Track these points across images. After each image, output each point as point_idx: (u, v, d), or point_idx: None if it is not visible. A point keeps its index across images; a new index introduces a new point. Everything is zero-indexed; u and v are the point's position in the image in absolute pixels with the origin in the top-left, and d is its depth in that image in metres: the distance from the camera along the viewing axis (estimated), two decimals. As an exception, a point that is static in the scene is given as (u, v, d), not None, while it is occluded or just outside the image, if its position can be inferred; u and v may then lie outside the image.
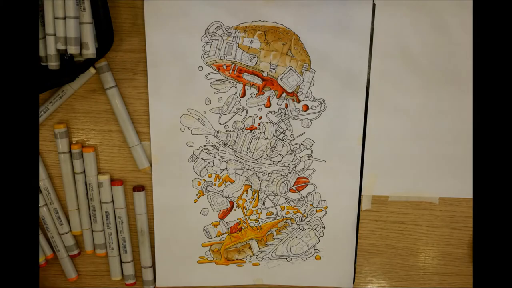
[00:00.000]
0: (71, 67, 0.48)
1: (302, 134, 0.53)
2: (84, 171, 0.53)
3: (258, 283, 0.57)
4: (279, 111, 0.53)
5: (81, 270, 0.57)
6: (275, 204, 0.55)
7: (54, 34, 0.45)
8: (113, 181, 0.53)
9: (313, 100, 0.53)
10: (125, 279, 0.56)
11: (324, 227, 0.56)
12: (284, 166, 0.54)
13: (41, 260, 0.54)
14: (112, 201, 0.54)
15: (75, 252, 0.55)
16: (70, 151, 0.52)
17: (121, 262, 0.56)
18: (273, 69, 0.51)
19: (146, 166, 0.53)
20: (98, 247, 0.55)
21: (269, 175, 0.54)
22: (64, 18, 0.44)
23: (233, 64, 0.51)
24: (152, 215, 0.55)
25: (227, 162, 0.54)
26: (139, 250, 0.55)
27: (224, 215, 0.55)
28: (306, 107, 0.53)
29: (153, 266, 0.56)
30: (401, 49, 0.52)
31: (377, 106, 0.53)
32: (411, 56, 0.52)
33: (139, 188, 0.54)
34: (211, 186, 0.54)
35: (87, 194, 0.53)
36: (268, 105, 0.52)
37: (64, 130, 0.51)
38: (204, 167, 0.54)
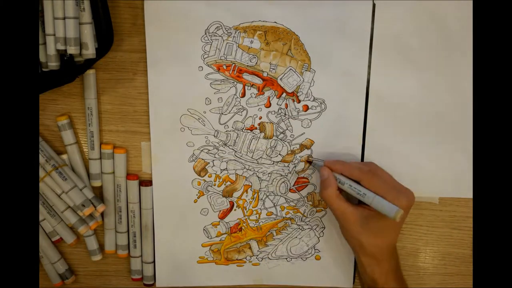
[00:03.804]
0: (71, 67, 0.48)
1: (302, 134, 0.53)
2: (114, 172, 0.53)
3: (258, 283, 0.57)
4: (279, 111, 0.53)
5: (82, 270, 0.57)
6: (275, 204, 0.55)
7: (54, 35, 0.45)
8: (129, 175, 0.53)
9: (313, 100, 0.52)
10: (132, 273, 0.56)
11: (324, 227, 0.56)
12: (285, 166, 0.54)
13: None
14: (138, 212, 0.55)
15: (56, 259, 0.55)
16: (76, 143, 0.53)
17: (142, 262, 0.56)
18: (273, 69, 0.51)
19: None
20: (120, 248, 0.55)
21: (269, 175, 0.54)
22: (64, 18, 0.44)
23: (233, 64, 0.51)
24: (152, 214, 0.55)
25: (227, 162, 0.54)
26: (142, 244, 0.55)
27: (224, 215, 0.55)
28: (306, 107, 0.53)
29: (154, 262, 0.56)
30: (401, 49, 0.52)
31: (377, 106, 0.53)
32: (411, 56, 0.52)
33: (146, 183, 0.54)
34: (211, 186, 0.54)
35: (114, 194, 0.54)
36: (268, 105, 0.52)
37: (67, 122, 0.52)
38: (204, 167, 0.54)
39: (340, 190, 0.50)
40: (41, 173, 0.50)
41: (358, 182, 0.49)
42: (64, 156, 0.52)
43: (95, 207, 0.51)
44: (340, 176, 0.49)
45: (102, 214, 0.53)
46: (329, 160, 0.52)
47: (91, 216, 0.51)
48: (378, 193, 0.47)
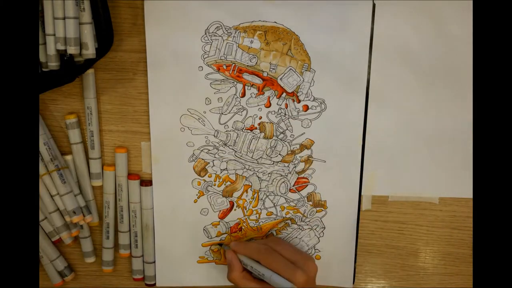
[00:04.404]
0: (71, 67, 0.48)
1: (302, 134, 0.53)
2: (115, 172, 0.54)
3: (258, 283, 0.57)
4: (279, 111, 0.53)
5: (82, 270, 0.57)
6: (275, 204, 0.55)
7: (54, 35, 0.45)
8: (130, 175, 0.53)
9: (313, 100, 0.53)
10: (133, 273, 0.56)
11: (324, 227, 0.56)
12: (285, 166, 0.54)
13: None
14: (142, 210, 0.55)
15: (55, 256, 0.55)
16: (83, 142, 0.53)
17: (143, 262, 0.56)
18: (273, 69, 0.51)
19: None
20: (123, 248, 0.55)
21: (269, 175, 0.54)
22: (64, 18, 0.44)
23: (233, 64, 0.51)
24: (152, 214, 0.55)
25: (227, 162, 0.54)
26: (143, 245, 0.55)
27: (224, 215, 0.55)
28: (306, 107, 0.53)
29: (155, 262, 0.56)
30: (401, 49, 0.52)
31: (377, 106, 0.53)
32: (411, 56, 0.52)
33: (146, 183, 0.54)
34: (211, 186, 0.54)
35: (115, 194, 0.54)
36: (268, 105, 0.52)
37: (75, 121, 0.52)
38: (204, 167, 0.54)
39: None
40: (43, 170, 0.50)
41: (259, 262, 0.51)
42: (68, 157, 0.52)
43: (84, 215, 0.51)
44: (243, 258, 0.52)
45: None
46: (235, 242, 0.54)
47: (76, 223, 0.52)
48: (276, 270, 0.49)
